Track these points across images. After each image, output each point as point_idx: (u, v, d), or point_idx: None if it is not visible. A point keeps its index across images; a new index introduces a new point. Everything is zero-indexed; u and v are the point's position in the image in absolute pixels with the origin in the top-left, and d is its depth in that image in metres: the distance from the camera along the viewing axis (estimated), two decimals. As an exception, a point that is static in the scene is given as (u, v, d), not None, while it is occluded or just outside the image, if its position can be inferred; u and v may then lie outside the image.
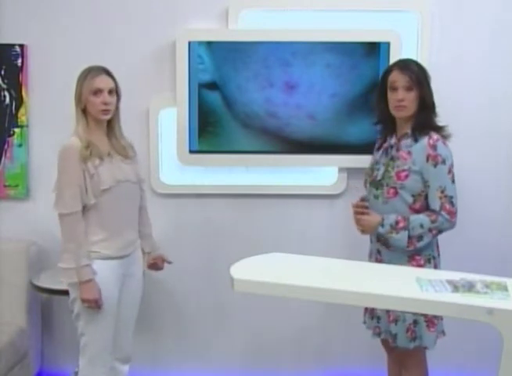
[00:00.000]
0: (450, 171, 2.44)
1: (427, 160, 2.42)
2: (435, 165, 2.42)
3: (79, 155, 2.44)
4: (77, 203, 2.45)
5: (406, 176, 2.46)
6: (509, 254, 3.23)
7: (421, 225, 2.41)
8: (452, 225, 2.46)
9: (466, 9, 3.13)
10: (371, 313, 2.65)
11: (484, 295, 1.90)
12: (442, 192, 2.42)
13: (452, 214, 2.43)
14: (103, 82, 2.50)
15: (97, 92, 2.49)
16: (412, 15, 3.09)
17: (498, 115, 3.18)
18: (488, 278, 2.03)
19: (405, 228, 2.42)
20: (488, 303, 1.84)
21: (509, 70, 3.16)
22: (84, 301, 2.46)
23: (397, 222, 2.44)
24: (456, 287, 1.95)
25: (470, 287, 1.94)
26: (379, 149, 2.65)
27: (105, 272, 2.50)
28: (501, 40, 3.14)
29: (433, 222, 2.42)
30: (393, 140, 2.57)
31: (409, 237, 2.42)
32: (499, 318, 1.81)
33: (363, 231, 2.57)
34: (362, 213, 2.52)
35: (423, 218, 2.43)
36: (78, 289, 2.46)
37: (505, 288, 1.95)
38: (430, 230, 2.42)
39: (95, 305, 2.46)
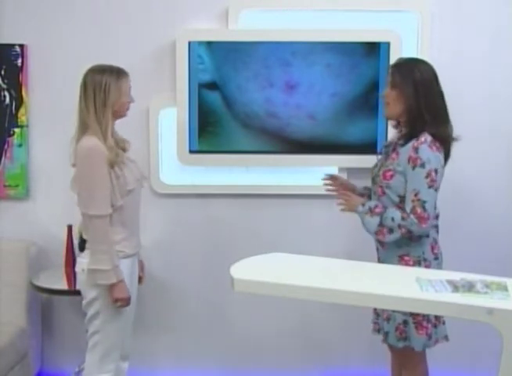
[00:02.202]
0: (429, 175, 2.37)
1: (408, 161, 2.41)
2: (413, 168, 2.39)
3: (108, 161, 2.45)
4: (109, 205, 2.47)
5: (391, 176, 2.46)
6: (509, 254, 3.24)
7: (392, 219, 2.40)
8: (422, 230, 2.40)
9: (466, 9, 3.13)
10: (375, 309, 2.66)
11: (484, 295, 1.90)
12: (416, 195, 2.38)
13: (422, 219, 2.37)
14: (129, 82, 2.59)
15: (129, 91, 2.57)
16: (412, 15, 3.09)
17: (498, 115, 3.19)
18: (488, 278, 2.03)
19: (379, 214, 2.43)
20: (488, 303, 1.84)
21: (509, 70, 3.16)
22: (117, 300, 2.47)
23: (375, 206, 2.46)
24: (456, 287, 1.95)
25: (470, 287, 1.94)
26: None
27: (127, 271, 2.54)
28: (501, 40, 3.14)
29: (403, 219, 2.39)
30: (394, 139, 2.58)
31: (380, 225, 2.42)
32: (499, 318, 1.81)
33: (343, 209, 2.60)
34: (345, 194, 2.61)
35: (396, 212, 2.41)
36: (104, 289, 2.46)
37: (505, 288, 1.95)
38: (399, 227, 2.40)
39: (126, 303, 2.49)
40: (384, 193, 2.49)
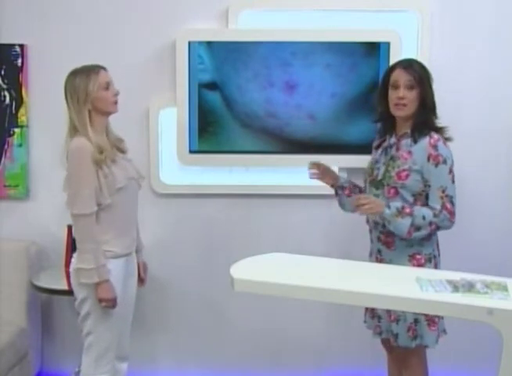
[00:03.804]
0: (451, 171, 2.45)
1: (428, 159, 2.43)
2: (436, 165, 2.43)
3: (93, 159, 2.44)
4: (94, 203, 2.47)
5: (407, 176, 2.46)
6: (509, 254, 3.23)
7: (423, 217, 2.42)
8: (451, 224, 2.47)
9: (466, 9, 3.13)
10: (372, 313, 2.65)
11: (484, 295, 1.90)
12: (443, 192, 2.43)
13: (452, 214, 2.45)
14: (107, 76, 2.54)
15: (107, 85, 2.52)
16: (412, 15, 3.09)
17: (498, 115, 3.18)
18: (488, 278, 2.03)
19: (410, 214, 2.42)
20: (488, 303, 1.84)
21: (509, 70, 3.16)
22: (102, 300, 2.46)
23: (403, 207, 2.44)
24: (456, 287, 1.95)
25: (470, 287, 1.94)
26: (378, 148, 2.65)
27: (115, 271, 2.52)
28: (501, 40, 3.14)
29: (435, 216, 2.42)
30: (393, 140, 2.57)
31: (411, 225, 2.42)
32: (499, 318, 1.81)
33: (368, 212, 2.48)
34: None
35: (426, 210, 2.44)
36: (92, 289, 2.46)
37: (505, 288, 1.96)
38: (430, 224, 2.42)
39: (112, 304, 2.48)
40: (396, 194, 2.48)
